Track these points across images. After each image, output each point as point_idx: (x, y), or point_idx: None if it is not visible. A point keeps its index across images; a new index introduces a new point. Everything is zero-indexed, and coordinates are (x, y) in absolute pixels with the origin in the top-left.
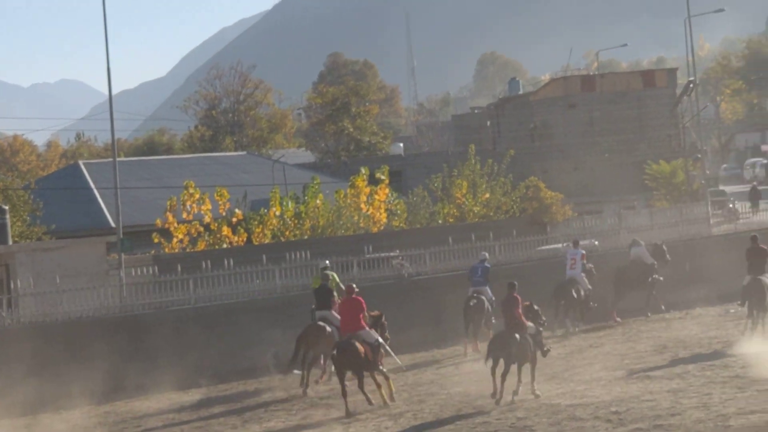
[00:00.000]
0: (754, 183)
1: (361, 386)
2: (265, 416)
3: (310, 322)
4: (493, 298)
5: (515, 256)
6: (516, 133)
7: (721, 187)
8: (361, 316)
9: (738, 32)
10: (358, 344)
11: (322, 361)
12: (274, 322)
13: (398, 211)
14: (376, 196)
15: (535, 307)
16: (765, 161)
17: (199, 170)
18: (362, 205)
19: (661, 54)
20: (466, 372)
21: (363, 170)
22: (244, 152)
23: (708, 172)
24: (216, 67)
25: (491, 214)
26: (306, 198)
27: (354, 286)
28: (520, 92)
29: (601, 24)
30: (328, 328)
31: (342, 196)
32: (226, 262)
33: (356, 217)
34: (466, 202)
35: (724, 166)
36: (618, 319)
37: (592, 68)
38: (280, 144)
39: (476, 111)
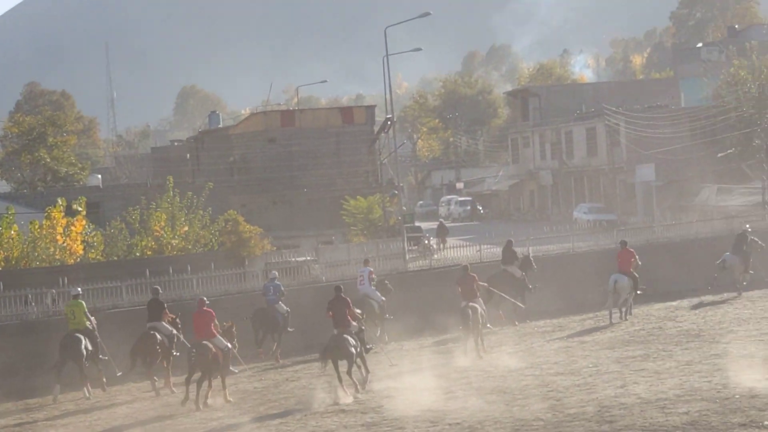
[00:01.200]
0: (441, 220)
1: (209, 385)
2: None
3: (143, 332)
4: (288, 310)
5: (213, 289)
6: (216, 166)
7: (417, 224)
8: (212, 325)
9: (435, 71)
10: (211, 346)
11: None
12: None
13: (95, 243)
14: (73, 228)
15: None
16: (460, 198)
17: None
18: (58, 237)
19: (360, 91)
20: None
21: (60, 201)
22: None
23: (404, 208)
24: None
25: (190, 247)
26: (0, 229)
27: (205, 299)
28: (220, 125)
29: (301, 60)
30: (159, 336)
31: (37, 227)
32: None
33: (52, 249)
34: (165, 235)
35: (420, 202)
36: None
37: (292, 103)
38: None
39: (176, 144)
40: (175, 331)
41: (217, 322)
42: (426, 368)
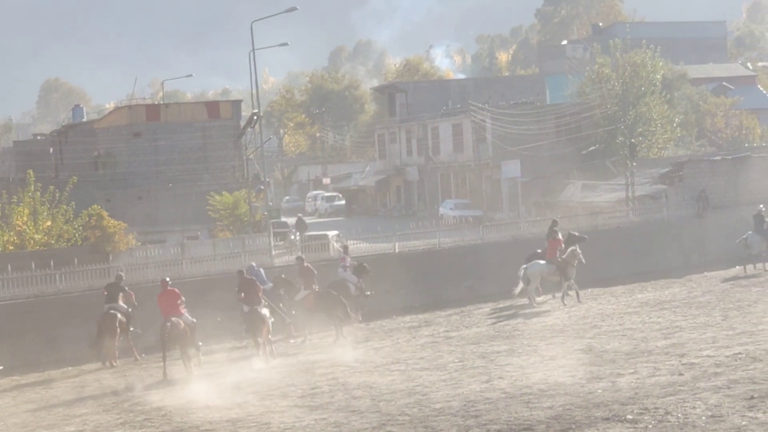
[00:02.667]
0: (299, 215)
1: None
2: None
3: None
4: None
5: (77, 284)
6: (80, 160)
7: (284, 219)
8: (178, 302)
9: (302, 66)
10: (182, 322)
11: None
12: None
13: None
14: None
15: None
16: (326, 194)
17: None
18: None
19: (227, 86)
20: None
21: None
22: None
23: (271, 203)
24: None
25: (53, 242)
26: None
27: (167, 279)
28: (85, 119)
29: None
30: (118, 315)
31: None
32: None
33: None
34: (27, 230)
35: (287, 198)
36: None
37: (158, 98)
38: None
39: (39, 138)
40: (131, 309)
41: (183, 299)
42: (294, 362)
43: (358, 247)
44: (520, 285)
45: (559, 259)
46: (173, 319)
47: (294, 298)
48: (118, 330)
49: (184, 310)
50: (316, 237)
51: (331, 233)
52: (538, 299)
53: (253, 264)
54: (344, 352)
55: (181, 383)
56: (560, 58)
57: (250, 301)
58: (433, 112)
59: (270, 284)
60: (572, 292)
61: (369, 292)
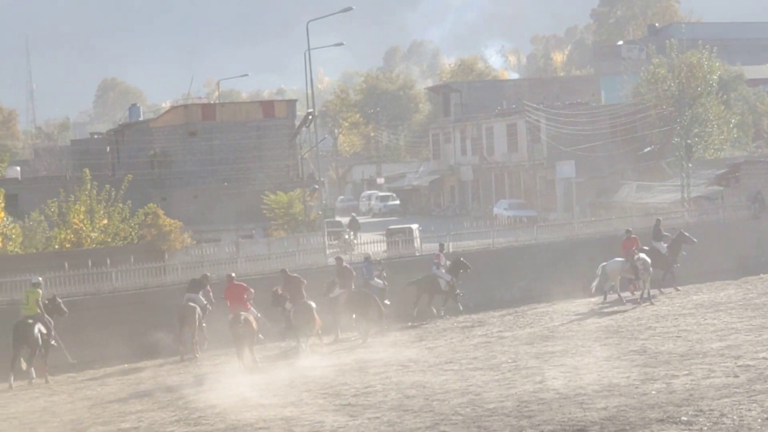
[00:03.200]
0: (353, 214)
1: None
2: None
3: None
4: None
5: (133, 282)
6: (136, 159)
7: (338, 218)
8: (245, 296)
9: (357, 66)
10: (251, 318)
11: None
12: None
13: (13, 236)
14: None
15: None
16: (380, 193)
17: None
18: None
19: (282, 85)
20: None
21: None
22: None
23: (325, 202)
24: None
25: (109, 240)
26: None
27: (233, 275)
28: (141, 119)
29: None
30: (198, 309)
31: None
32: None
33: None
34: (84, 228)
35: (341, 197)
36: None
37: (213, 97)
38: None
39: (96, 136)
40: (209, 306)
41: (252, 291)
42: (347, 361)
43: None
44: (596, 281)
45: (638, 257)
46: (242, 314)
47: (328, 296)
48: (197, 323)
49: (250, 305)
50: (400, 231)
51: (414, 226)
52: (609, 297)
53: (369, 254)
54: (398, 352)
55: (236, 380)
56: (616, 59)
57: (294, 299)
58: (488, 112)
59: (376, 278)
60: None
61: (460, 292)
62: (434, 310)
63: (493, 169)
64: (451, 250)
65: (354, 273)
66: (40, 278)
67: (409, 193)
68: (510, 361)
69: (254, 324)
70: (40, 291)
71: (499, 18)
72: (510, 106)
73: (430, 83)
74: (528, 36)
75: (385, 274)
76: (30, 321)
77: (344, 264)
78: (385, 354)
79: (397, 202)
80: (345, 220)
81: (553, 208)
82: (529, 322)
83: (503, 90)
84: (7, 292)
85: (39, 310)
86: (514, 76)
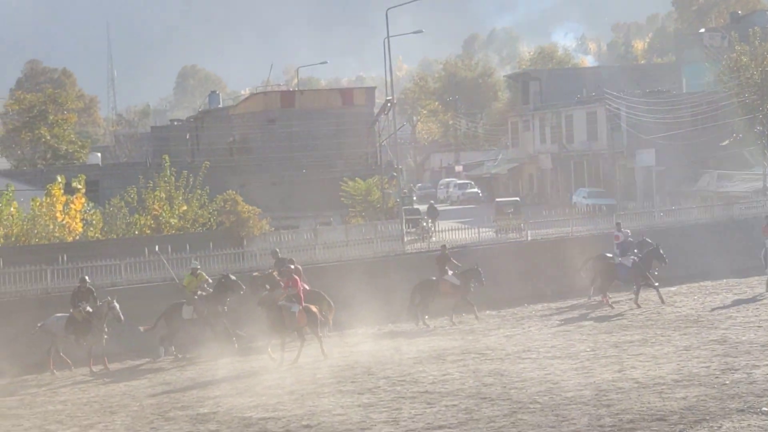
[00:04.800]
0: (431, 201)
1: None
2: None
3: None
4: None
5: (212, 268)
6: (215, 146)
7: (416, 206)
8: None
9: (435, 54)
10: (314, 308)
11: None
12: None
13: (94, 221)
14: (72, 206)
15: None
16: (459, 181)
17: None
18: (58, 214)
19: (360, 73)
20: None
21: (59, 179)
22: None
23: (406, 191)
24: None
25: (188, 226)
26: (0, 206)
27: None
28: (220, 106)
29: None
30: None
31: (37, 204)
32: None
33: (51, 226)
34: (163, 214)
35: (419, 185)
36: None
37: (292, 84)
38: None
39: (176, 123)
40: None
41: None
42: (425, 349)
43: (488, 235)
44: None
45: None
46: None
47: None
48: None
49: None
50: (509, 203)
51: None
52: None
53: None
54: (475, 340)
55: (315, 366)
56: (697, 47)
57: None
58: (567, 99)
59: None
60: None
61: (656, 271)
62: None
63: (572, 157)
64: (529, 239)
65: (453, 261)
66: (197, 263)
67: (488, 181)
68: (588, 349)
69: (317, 312)
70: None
71: (576, 4)
72: (590, 94)
73: (508, 71)
74: (608, 23)
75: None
76: (180, 303)
77: (446, 251)
78: (462, 342)
79: (476, 189)
80: (423, 207)
81: (633, 197)
82: (607, 310)
83: (583, 78)
84: (89, 277)
85: (201, 292)
86: (594, 63)
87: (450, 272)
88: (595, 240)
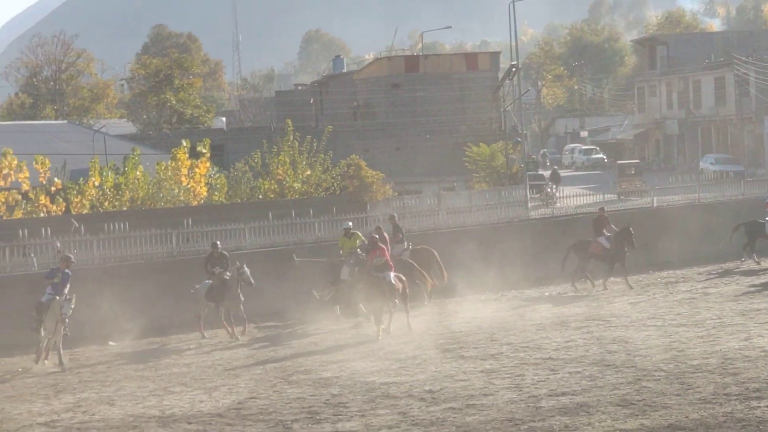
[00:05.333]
0: (555, 167)
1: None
2: (79, 387)
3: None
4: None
5: (335, 233)
6: (339, 111)
7: (540, 171)
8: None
9: (561, 18)
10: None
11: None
12: (93, 292)
13: (219, 185)
14: (197, 170)
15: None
16: (584, 147)
17: (18, 138)
18: (183, 178)
19: (485, 38)
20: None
21: (184, 143)
22: (65, 121)
23: (534, 157)
24: (38, 35)
25: (312, 190)
26: (126, 169)
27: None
28: (344, 70)
29: (426, 5)
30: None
31: (163, 168)
32: (43, 231)
33: (176, 190)
34: (287, 178)
35: (544, 150)
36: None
37: (417, 49)
38: (102, 114)
39: (300, 88)
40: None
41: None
42: (548, 315)
43: (613, 201)
44: None
45: None
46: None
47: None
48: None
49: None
50: (631, 165)
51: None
52: None
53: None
54: (599, 307)
55: (435, 333)
56: None
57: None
58: (695, 65)
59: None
60: None
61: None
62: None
63: (699, 122)
64: (655, 205)
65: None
66: (350, 223)
67: (613, 146)
68: (714, 317)
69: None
70: (352, 235)
71: None
72: (718, 59)
73: (635, 35)
74: None
75: None
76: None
77: (605, 214)
78: (586, 308)
79: (601, 155)
80: (547, 173)
81: (761, 164)
82: (734, 278)
83: (711, 42)
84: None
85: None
86: (722, 28)
87: (606, 234)
88: (723, 207)
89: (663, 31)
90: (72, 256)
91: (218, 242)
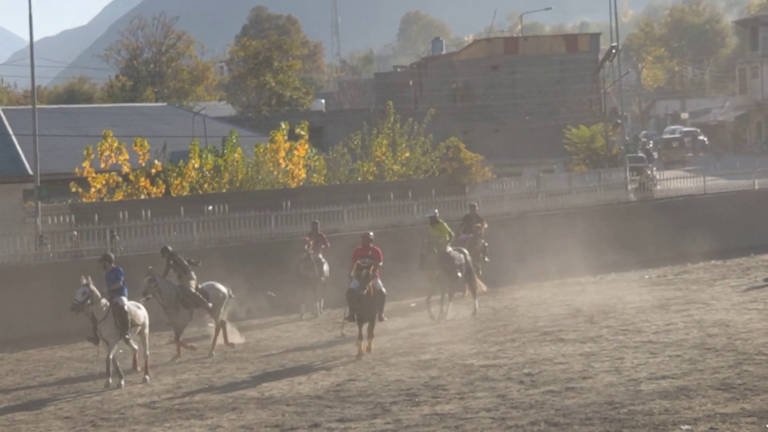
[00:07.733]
0: (648, 146)
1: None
2: (178, 368)
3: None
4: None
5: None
6: (438, 93)
7: (640, 153)
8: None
9: None
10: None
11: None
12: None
13: (317, 168)
14: (296, 152)
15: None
16: (684, 129)
17: (119, 120)
18: (281, 161)
19: (585, 19)
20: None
21: (283, 125)
22: (165, 103)
23: (628, 138)
24: (138, 17)
25: (410, 173)
26: (225, 151)
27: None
28: (443, 52)
29: None
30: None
31: (261, 150)
32: (143, 213)
33: (275, 172)
34: (386, 161)
35: (644, 132)
36: None
37: (516, 30)
38: (201, 96)
39: (399, 69)
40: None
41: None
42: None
43: (715, 183)
44: None
45: None
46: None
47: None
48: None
49: None
50: (675, 139)
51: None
52: None
53: None
54: (700, 290)
55: (533, 315)
56: None
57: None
58: None
59: None
60: None
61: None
62: None
63: None
64: (756, 188)
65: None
66: (436, 210)
67: (714, 128)
68: None
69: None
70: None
71: None
72: None
73: (736, 16)
74: None
75: None
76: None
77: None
78: (686, 291)
79: (701, 137)
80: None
81: None
82: None
83: None
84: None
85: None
86: None
87: None
88: None
89: (765, 11)
90: (112, 255)
91: (317, 221)
